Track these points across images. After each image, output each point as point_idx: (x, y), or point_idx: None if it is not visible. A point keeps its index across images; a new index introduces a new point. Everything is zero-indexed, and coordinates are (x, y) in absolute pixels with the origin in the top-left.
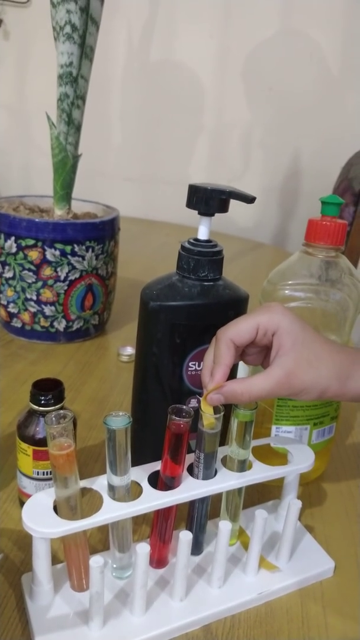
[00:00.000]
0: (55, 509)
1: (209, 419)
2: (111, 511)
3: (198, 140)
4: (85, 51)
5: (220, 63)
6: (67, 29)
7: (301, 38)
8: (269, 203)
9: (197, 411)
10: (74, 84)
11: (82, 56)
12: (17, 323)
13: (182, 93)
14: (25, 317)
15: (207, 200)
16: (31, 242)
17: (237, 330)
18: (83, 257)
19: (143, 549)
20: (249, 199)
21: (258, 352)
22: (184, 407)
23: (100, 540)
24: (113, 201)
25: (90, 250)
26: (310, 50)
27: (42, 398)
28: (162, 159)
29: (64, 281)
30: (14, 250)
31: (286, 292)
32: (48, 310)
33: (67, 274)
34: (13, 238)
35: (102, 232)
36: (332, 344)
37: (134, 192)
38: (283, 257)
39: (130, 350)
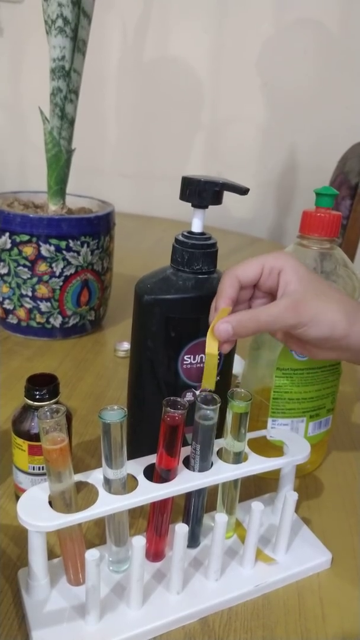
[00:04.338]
0: (51, 503)
1: (213, 352)
2: (106, 504)
3: (193, 136)
4: (78, 45)
5: (215, 58)
6: (59, 22)
7: (296, 33)
8: (265, 198)
9: (193, 404)
10: (67, 78)
11: (74, 50)
12: (12, 319)
13: (178, 88)
14: (21, 313)
15: (201, 192)
16: (25, 237)
17: (243, 268)
18: (78, 253)
19: (139, 542)
20: (243, 191)
21: (264, 302)
22: (179, 399)
23: (97, 534)
24: (109, 197)
25: (85, 245)
26: (304, 45)
27: (37, 393)
28: (158, 155)
29: (59, 277)
30: (8, 246)
31: None
32: (44, 306)
33: (62, 269)
34: (7, 234)
35: (97, 227)
36: (338, 289)
37: (130, 187)
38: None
39: (126, 345)
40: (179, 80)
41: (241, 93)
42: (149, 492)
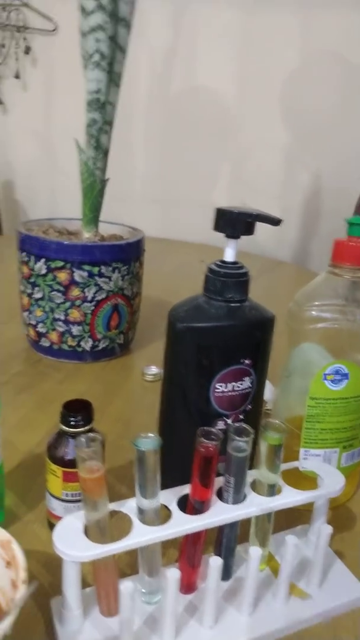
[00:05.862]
0: (85, 532)
1: None
2: (142, 535)
3: (219, 162)
4: (113, 78)
5: (240, 86)
6: (96, 57)
7: (319, 58)
8: (290, 222)
9: (226, 433)
10: (102, 110)
11: (109, 83)
12: (45, 342)
13: (203, 116)
14: (53, 336)
15: (234, 223)
16: (60, 263)
17: None
18: (109, 278)
19: (174, 575)
20: (276, 222)
21: None
22: (213, 429)
23: (128, 563)
24: (136, 222)
25: (116, 271)
26: (328, 68)
27: (72, 419)
28: (184, 181)
29: (91, 301)
30: (43, 271)
31: (313, 313)
32: (75, 330)
33: (94, 294)
34: (43, 260)
35: (128, 254)
36: None
37: (157, 213)
38: (305, 276)
39: (154, 369)
40: (205, 108)
41: (265, 119)
42: (184, 524)
